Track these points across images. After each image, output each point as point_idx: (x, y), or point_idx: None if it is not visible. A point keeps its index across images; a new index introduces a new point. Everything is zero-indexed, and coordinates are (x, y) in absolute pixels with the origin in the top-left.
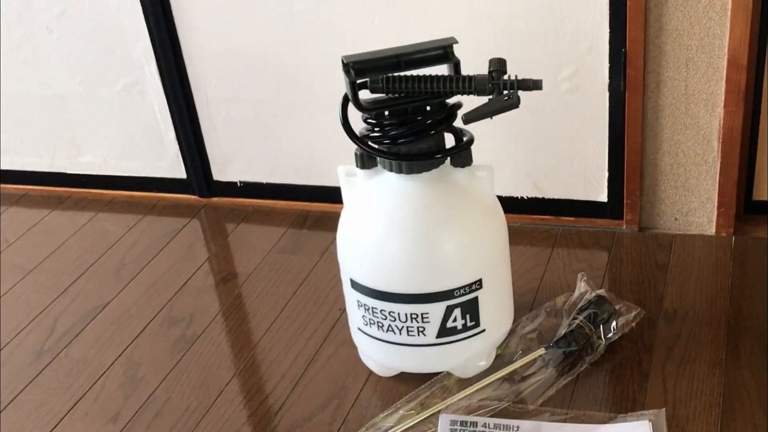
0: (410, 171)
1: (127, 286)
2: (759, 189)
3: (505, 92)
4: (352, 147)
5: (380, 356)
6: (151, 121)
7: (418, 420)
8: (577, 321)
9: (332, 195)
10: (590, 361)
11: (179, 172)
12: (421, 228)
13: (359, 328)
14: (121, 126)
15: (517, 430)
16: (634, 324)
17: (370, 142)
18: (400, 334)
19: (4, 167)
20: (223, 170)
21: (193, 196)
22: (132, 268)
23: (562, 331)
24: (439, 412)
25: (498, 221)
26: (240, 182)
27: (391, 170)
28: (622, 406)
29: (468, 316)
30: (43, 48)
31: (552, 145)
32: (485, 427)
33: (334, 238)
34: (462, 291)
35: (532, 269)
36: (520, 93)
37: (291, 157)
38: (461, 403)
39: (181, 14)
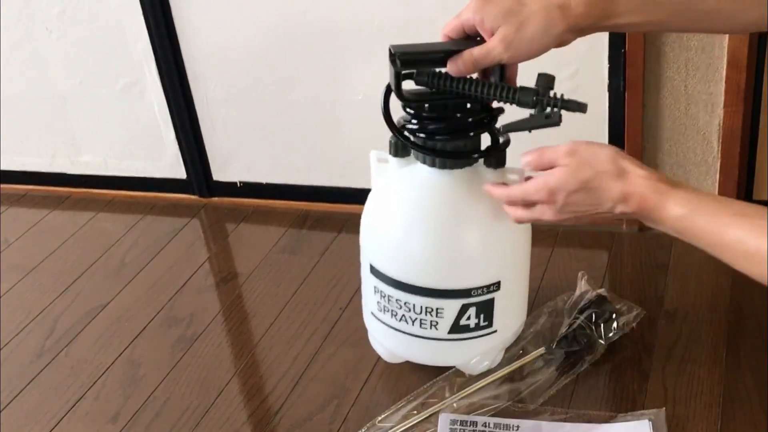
0: (443, 166)
1: (127, 286)
2: (759, 189)
3: (548, 110)
4: (352, 147)
5: (390, 343)
6: (151, 121)
7: (418, 420)
8: (578, 321)
9: (332, 195)
10: (590, 361)
11: (179, 172)
12: (447, 223)
13: (372, 313)
14: (121, 126)
15: (517, 429)
16: (634, 324)
17: (406, 133)
18: (413, 325)
19: (4, 167)
20: (223, 170)
21: (193, 196)
22: (132, 268)
23: (563, 330)
24: (439, 412)
25: (523, 226)
26: (240, 182)
27: (424, 162)
28: (622, 406)
29: (482, 316)
30: (43, 48)
31: (552, 145)
32: (485, 426)
33: (335, 238)
34: (479, 291)
35: (532, 269)
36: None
37: (291, 157)
38: (461, 402)
39: (181, 14)
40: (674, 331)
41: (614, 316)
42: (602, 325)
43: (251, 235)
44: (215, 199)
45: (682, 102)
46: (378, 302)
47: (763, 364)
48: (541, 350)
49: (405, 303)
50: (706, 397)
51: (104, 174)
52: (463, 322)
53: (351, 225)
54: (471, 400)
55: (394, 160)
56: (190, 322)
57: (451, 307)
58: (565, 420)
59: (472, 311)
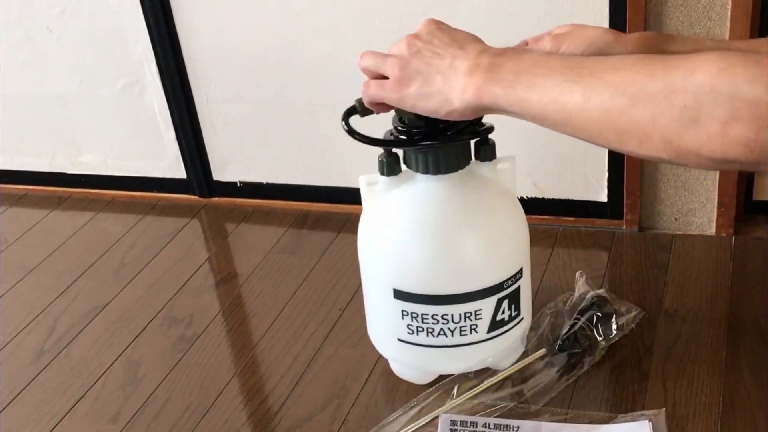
0: (438, 171)
1: (127, 286)
2: (759, 189)
3: None
4: (352, 147)
5: (426, 363)
6: (151, 121)
7: (421, 424)
8: (579, 322)
9: (332, 195)
10: (590, 363)
11: (179, 172)
12: (465, 226)
13: (401, 339)
14: (121, 126)
15: (518, 430)
16: (634, 325)
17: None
18: (453, 335)
19: (4, 167)
20: (223, 170)
21: (193, 196)
22: (132, 268)
23: (564, 332)
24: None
25: (521, 209)
26: (240, 182)
27: (426, 172)
28: (622, 407)
29: (513, 306)
30: (43, 48)
31: (552, 145)
32: (485, 427)
33: (335, 238)
34: (509, 282)
35: (533, 269)
36: None
37: (291, 157)
38: (464, 405)
39: (181, 14)
40: (674, 331)
41: (615, 317)
42: (603, 326)
43: (251, 235)
44: (215, 199)
45: None
46: (408, 326)
47: (763, 364)
48: (542, 351)
49: (442, 316)
50: (706, 398)
51: (104, 174)
52: (499, 317)
53: (351, 225)
54: (474, 403)
55: (385, 180)
56: (190, 322)
57: (488, 305)
58: (564, 421)
59: (505, 304)
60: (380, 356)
